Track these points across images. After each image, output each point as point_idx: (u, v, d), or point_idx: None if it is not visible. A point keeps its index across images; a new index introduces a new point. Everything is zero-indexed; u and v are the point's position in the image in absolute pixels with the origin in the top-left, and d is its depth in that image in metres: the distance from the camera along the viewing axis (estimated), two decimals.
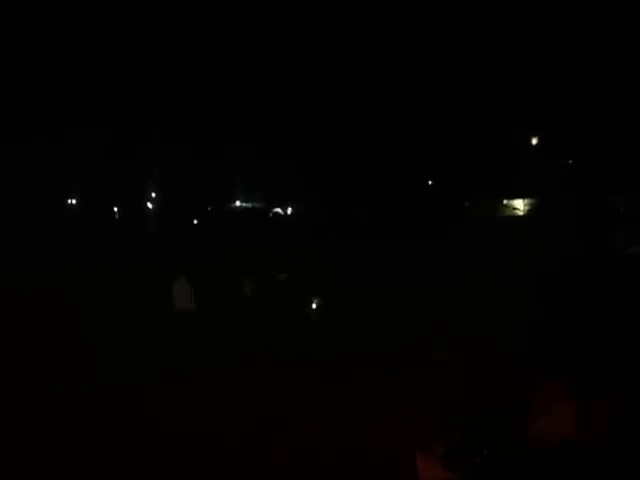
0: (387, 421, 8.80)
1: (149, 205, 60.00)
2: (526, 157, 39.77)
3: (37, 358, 12.60)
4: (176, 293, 14.47)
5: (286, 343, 13.62)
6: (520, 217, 40.71)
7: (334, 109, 49.72)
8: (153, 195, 59.98)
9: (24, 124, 47.28)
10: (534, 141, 42.22)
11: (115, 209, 58.72)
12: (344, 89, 49.98)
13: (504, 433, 2.59)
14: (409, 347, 12.86)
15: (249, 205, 57.99)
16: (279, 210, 54.73)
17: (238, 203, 59.11)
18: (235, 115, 52.86)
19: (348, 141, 47.86)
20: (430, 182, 48.56)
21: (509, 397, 2.63)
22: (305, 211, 50.35)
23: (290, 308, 15.78)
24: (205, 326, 14.33)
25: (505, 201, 43.84)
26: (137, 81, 53.73)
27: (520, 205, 43.00)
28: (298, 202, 52.85)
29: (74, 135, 49.16)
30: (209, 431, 8.80)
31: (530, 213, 40.43)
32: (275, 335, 14.19)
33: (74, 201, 57.05)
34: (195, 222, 50.09)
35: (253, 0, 57.82)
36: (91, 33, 54.12)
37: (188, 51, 58.04)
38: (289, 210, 54.23)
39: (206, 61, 57.82)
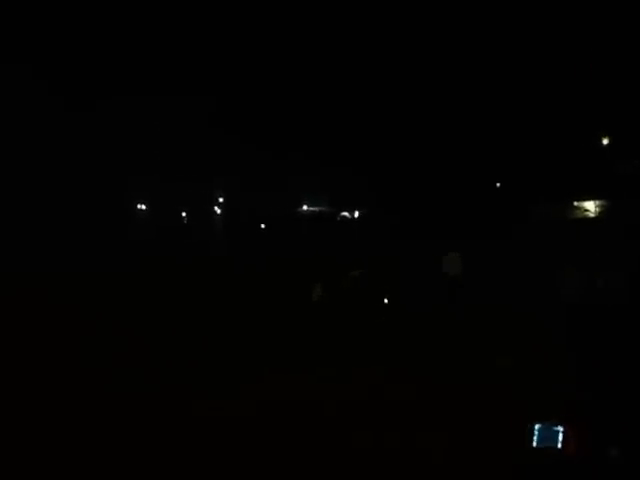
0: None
1: (217, 210, 60.83)
2: (598, 157, 39.10)
3: (138, 351, 13.16)
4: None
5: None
6: (591, 219, 39.92)
7: (400, 113, 49.66)
8: (220, 200, 60.79)
9: (99, 132, 48.33)
10: (605, 141, 41.51)
11: (183, 214, 59.58)
12: (412, 92, 49.82)
13: None
14: (472, 352, 12.99)
15: (316, 209, 58.28)
16: (346, 214, 54.84)
17: (305, 207, 59.46)
18: (302, 120, 53.19)
19: (415, 144, 47.75)
20: (498, 184, 48.08)
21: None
22: (372, 214, 50.39)
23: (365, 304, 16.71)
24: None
25: (575, 202, 43.04)
26: (207, 88, 54.42)
27: (591, 207, 42.15)
28: (365, 205, 52.87)
29: (146, 142, 50.20)
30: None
31: (602, 215, 39.65)
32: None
33: (143, 206, 58.16)
34: (263, 226, 50.54)
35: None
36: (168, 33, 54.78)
37: (253, 57, 58.54)
38: (356, 213, 54.29)
39: (271, 65, 58.23)
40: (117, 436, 8.68)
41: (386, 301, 17.55)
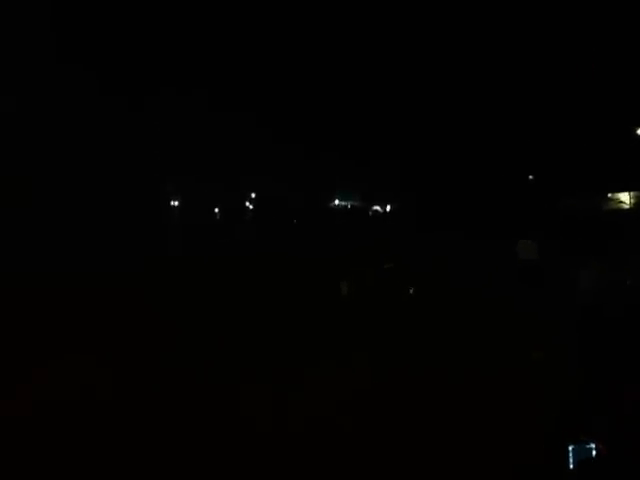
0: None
1: (249, 205, 61.09)
2: (633, 147, 38.60)
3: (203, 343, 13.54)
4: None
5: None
6: (626, 211, 39.50)
7: (431, 105, 49.51)
8: (253, 195, 61.02)
9: (132, 133, 48.78)
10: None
11: (216, 210, 59.92)
12: (445, 85, 49.65)
13: None
14: (507, 345, 13.05)
15: (348, 204, 58.35)
16: (378, 208, 54.85)
17: (337, 202, 59.54)
18: (334, 115, 53.24)
19: (447, 139, 47.61)
20: (531, 177, 47.74)
21: None
22: (404, 209, 50.37)
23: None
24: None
25: (610, 194, 42.58)
26: (237, 84, 54.67)
27: (626, 198, 41.67)
28: (396, 200, 52.85)
29: (177, 139, 50.59)
30: None
31: (637, 207, 39.22)
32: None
33: (176, 203, 58.59)
34: (295, 221, 50.70)
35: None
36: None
37: (284, 53, 58.67)
38: (387, 208, 54.28)
39: (302, 61, 58.30)
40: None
41: (411, 292, 18.27)
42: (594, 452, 6.12)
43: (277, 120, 54.21)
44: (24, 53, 42.72)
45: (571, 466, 6.13)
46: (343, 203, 59.21)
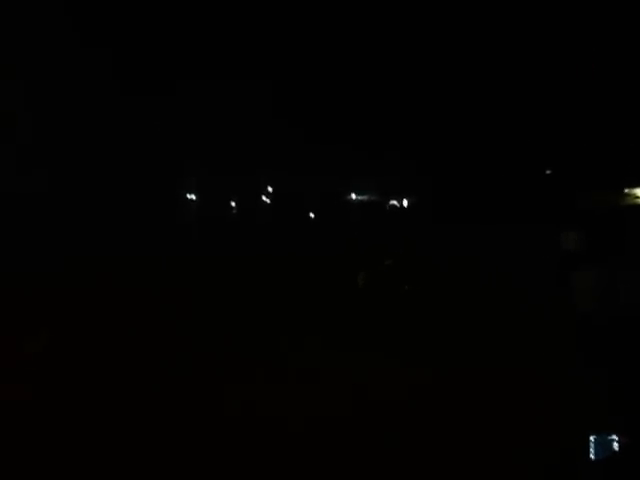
0: None
1: (266, 199, 61.11)
2: None
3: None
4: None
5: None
6: None
7: (448, 98, 49.41)
8: (270, 189, 61.05)
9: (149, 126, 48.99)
10: None
11: (232, 204, 59.95)
12: (461, 77, 49.51)
13: None
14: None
15: (364, 198, 58.24)
16: (395, 202, 54.77)
17: (354, 196, 59.44)
18: (350, 108, 53.15)
19: (464, 130, 47.52)
20: (548, 171, 47.57)
21: None
22: (421, 202, 50.32)
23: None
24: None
25: (627, 189, 42.40)
26: (256, 76, 54.67)
27: None
28: (414, 194, 52.75)
29: (193, 131, 50.78)
30: None
31: None
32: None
33: (193, 196, 58.69)
34: (312, 215, 50.72)
35: None
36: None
37: (299, 44, 58.55)
38: (405, 202, 54.17)
39: (318, 52, 58.20)
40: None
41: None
42: (615, 444, 6.23)
43: (294, 114, 54.24)
44: (44, 42, 43.20)
45: (593, 456, 6.25)
46: (360, 197, 59.10)
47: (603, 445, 6.29)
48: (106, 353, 12.54)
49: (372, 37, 56.81)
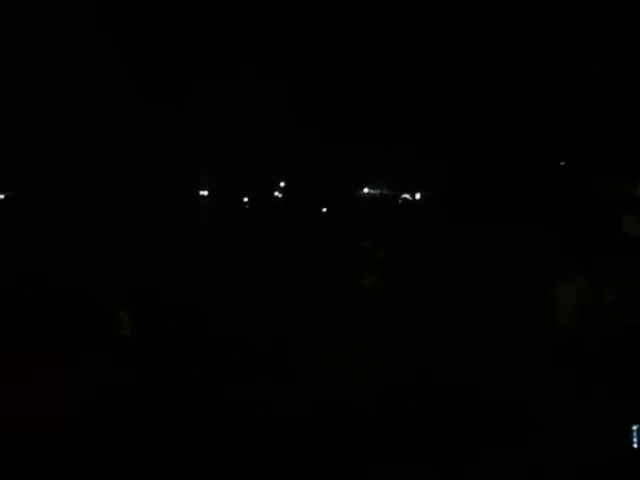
0: None
1: (278, 195, 61.12)
2: None
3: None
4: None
5: None
6: None
7: (460, 92, 49.17)
8: (282, 185, 61.04)
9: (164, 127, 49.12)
10: None
11: (245, 199, 59.98)
12: (473, 72, 49.24)
13: None
14: None
15: (377, 192, 58.18)
16: (407, 196, 54.67)
17: (366, 190, 59.38)
18: (362, 103, 53.01)
19: (477, 123, 47.30)
20: (562, 163, 47.24)
21: None
22: (433, 196, 50.20)
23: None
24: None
25: None
26: (270, 73, 54.58)
27: None
28: (426, 188, 52.63)
29: (206, 128, 50.82)
30: None
31: None
32: None
33: (205, 192, 58.73)
34: (324, 210, 50.63)
35: None
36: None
37: (314, 43, 58.41)
38: (417, 196, 54.06)
39: (330, 48, 58.02)
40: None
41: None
42: None
43: (306, 109, 54.13)
44: (67, 45, 43.60)
45: (635, 445, 6.17)
46: (372, 191, 59.03)
47: None
48: (116, 350, 12.45)
49: (385, 38, 56.63)
